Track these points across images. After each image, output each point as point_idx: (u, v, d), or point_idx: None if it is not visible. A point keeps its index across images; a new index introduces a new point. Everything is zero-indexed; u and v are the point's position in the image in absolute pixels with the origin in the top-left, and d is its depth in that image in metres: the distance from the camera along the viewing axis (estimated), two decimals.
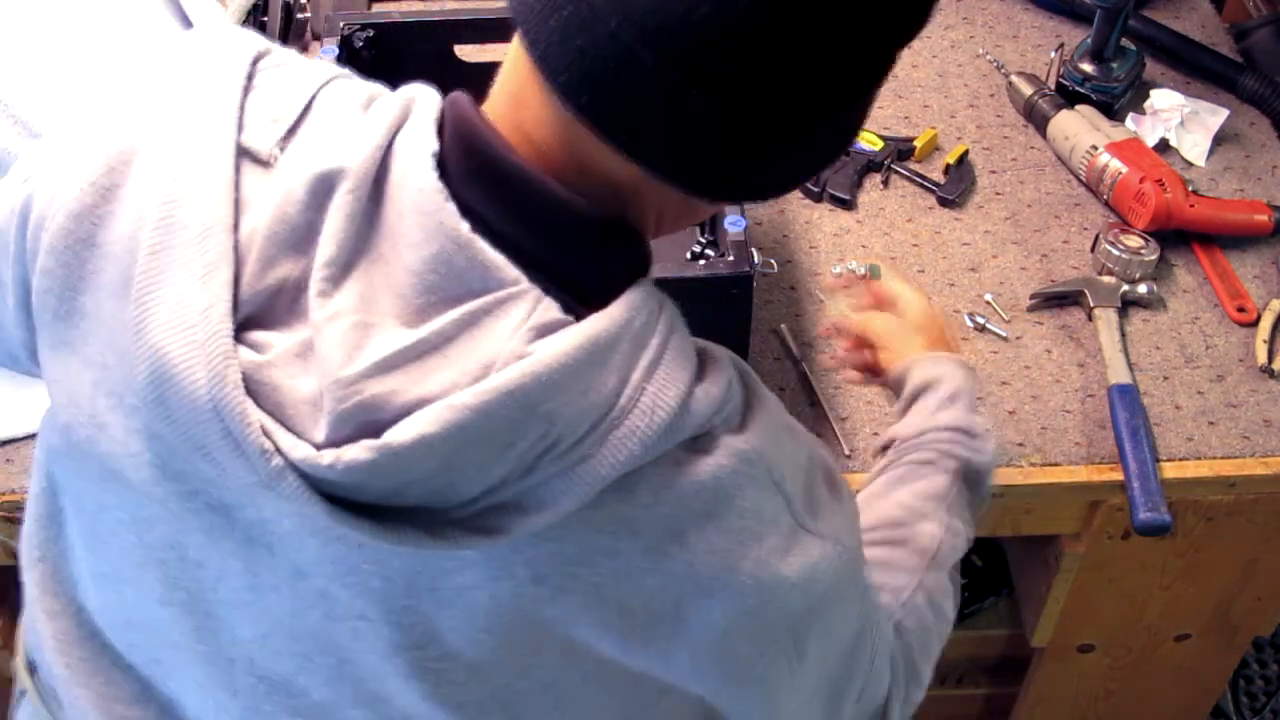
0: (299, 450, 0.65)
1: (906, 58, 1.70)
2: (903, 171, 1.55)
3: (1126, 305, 1.40)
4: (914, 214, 1.51)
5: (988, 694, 1.73)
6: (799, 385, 1.33)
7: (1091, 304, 1.38)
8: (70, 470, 0.80)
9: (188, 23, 1.41)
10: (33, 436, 1.23)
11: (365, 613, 0.73)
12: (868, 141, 1.56)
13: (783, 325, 1.38)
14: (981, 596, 1.63)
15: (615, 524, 0.70)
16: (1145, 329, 1.39)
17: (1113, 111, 1.59)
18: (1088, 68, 1.60)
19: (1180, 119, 1.58)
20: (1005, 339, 1.38)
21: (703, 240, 1.30)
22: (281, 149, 0.71)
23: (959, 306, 1.41)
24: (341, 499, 0.66)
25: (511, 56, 0.70)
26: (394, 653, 0.73)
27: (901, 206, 1.52)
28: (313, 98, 0.73)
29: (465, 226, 0.66)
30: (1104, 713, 1.64)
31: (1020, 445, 1.28)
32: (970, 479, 1.03)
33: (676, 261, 1.29)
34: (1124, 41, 1.61)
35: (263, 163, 0.71)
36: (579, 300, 0.68)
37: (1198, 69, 1.68)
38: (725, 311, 1.10)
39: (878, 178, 1.55)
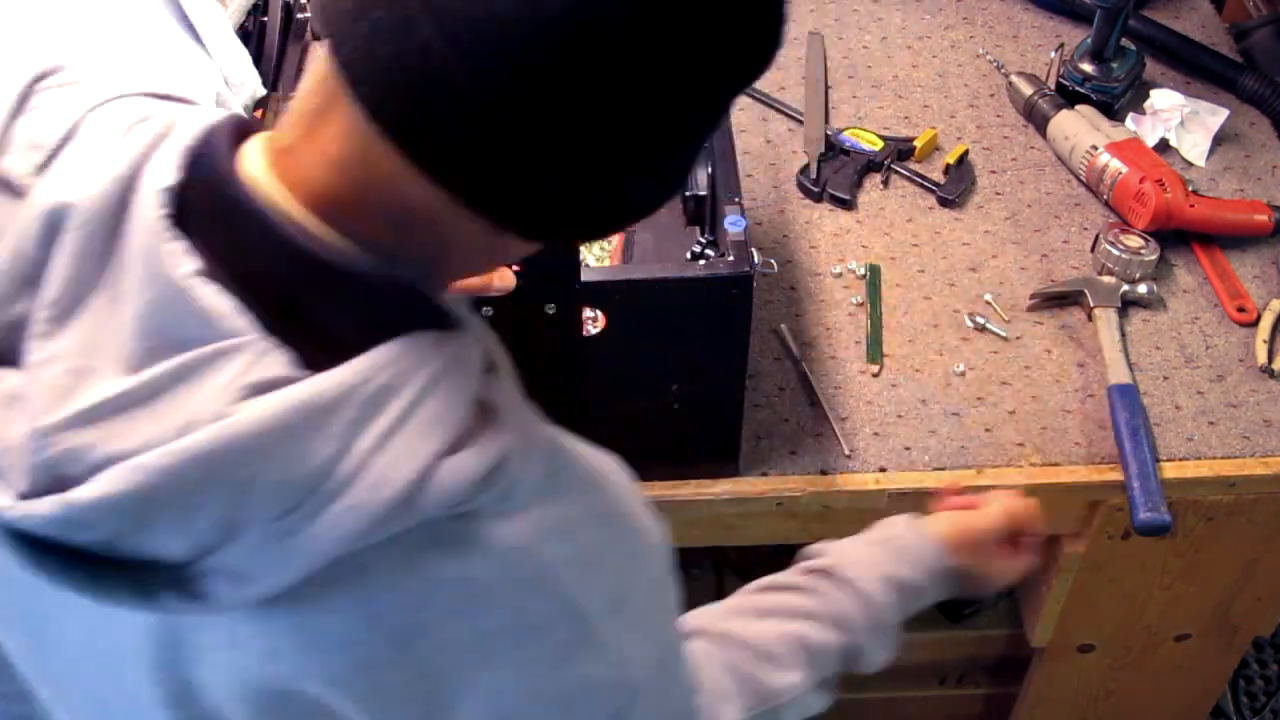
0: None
1: (906, 58, 1.71)
2: (903, 171, 1.55)
3: (1126, 305, 1.40)
4: (914, 214, 1.51)
5: (988, 694, 1.73)
6: (799, 385, 1.33)
7: (1091, 304, 1.38)
8: None
9: (188, 23, 1.41)
10: None
11: (132, 662, 0.70)
12: (868, 141, 1.56)
13: (783, 325, 1.38)
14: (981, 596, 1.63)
15: (351, 608, 0.64)
16: (1145, 329, 1.39)
17: (1113, 111, 1.59)
18: (1088, 68, 1.60)
19: (1180, 119, 1.58)
20: (1005, 339, 1.38)
21: (703, 240, 1.30)
22: (37, 177, 0.67)
23: (959, 306, 1.41)
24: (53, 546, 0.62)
25: (313, 66, 0.64)
26: (161, 706, 0.71)
27: (901, 206, 1.52)
28: (79, 121, 0.69)
29: (187, 269, 0.62)
30: (1104, 713, 1.64)
31: (1020, 445, 1.28)
32: (850, 660, 0.98)
33: (676, 261, 1.29)
34: (1124, 41, 1.61)
35: (16, 192, 0.67)
36: (320, 355, 0.63)
37: (1198, 69, 1.68)
38: (725, 311, 1.10)
39: (878, 178, 1.55)
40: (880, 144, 1.56)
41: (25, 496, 0.61)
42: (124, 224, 0.64)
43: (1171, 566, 1.39)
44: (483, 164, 0.60)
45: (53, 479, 0.61)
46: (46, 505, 0.60)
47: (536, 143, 0.59)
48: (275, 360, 0.62)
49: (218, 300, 0.62)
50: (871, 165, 1.55)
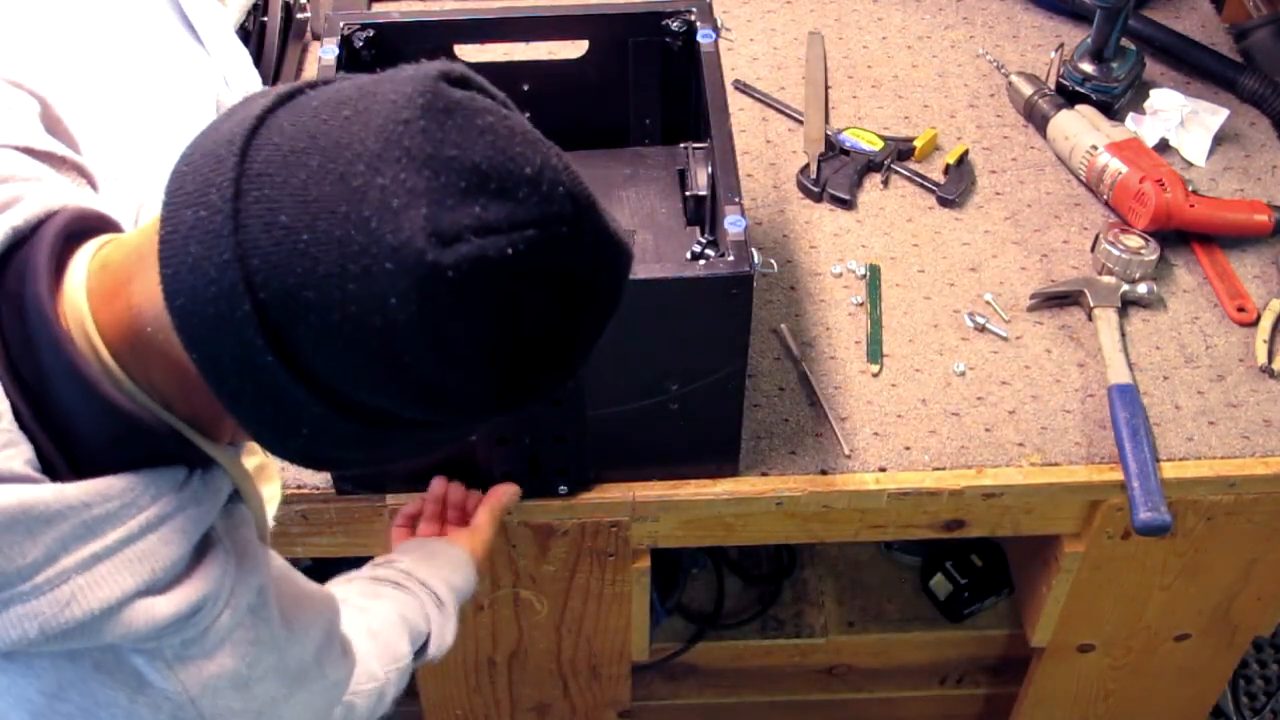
0: None
1: (906, 58, 1.71)
2: (903, 171, 1.55)
3: (1126, 305, 1.40)
4: (914, 214, 1.51)
5: (988, 694, 1.73)
6: (799, 385, 1.33)
7: (1091, 304, 1.38)
8: None
9: (188, 23, 1.41)
10: None
11: None
12: (868, 141, 1.56)
13: (783, 325, 1.38)
14: (981, 596, 1.63)
15: (13, 697, 0.68)
16: (1145, 329, 1.39)
17: (1113, 111, 1.59)
18: (1088, 68, 1.60)
19: (1180, 119, 1.58)
20: (1005, 339, 1.38)
21: (703, 240, 1.30)
22: None
23: (959, 306, 1.41)
24: None
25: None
26: None
27: (901, 206, 1.52)
28: None
29: None
30: (1104, 713, 1.64)
31: (1020, 445, 1.28)
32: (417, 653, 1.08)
33: (676, 261, 1.29)
34: (1124, 41, 1.61)
35: None
36: (61, 461, 0.66)
37: (1198, 69, 1.68)
38: (725, 311, 1.10)
39: (878, 178, 1.55)
40: (880, 144, 1.56)
41: None
42: None
43: (1171, 566, 1.39)
44: (238, 384, 0.63)
45: None
46: None
47: (289, 390, 0.62)
48: (14, 454, 0.64)
49: None
50: (871, 165, 1.55)
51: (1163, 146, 1.57)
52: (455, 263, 0.60)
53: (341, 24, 1.29)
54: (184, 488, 0.70)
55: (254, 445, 0.83)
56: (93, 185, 0.82)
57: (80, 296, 0.67)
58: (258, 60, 1.54)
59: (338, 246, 0.60)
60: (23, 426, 0.66)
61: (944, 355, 1.36)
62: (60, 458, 0.66)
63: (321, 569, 1.12)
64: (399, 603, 1.07)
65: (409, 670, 1.06)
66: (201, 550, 0.71)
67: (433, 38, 1.32)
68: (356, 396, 0.63)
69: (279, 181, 0.61)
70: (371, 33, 1.29)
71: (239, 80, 1.40)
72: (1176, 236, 1.48)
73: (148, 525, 0.68)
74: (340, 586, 1.08)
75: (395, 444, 0.69)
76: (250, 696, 0.75)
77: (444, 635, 1.10)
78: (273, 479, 0.98)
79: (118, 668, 0.69)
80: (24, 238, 0.69)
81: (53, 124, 0.83)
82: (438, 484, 1.22)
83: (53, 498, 0.64)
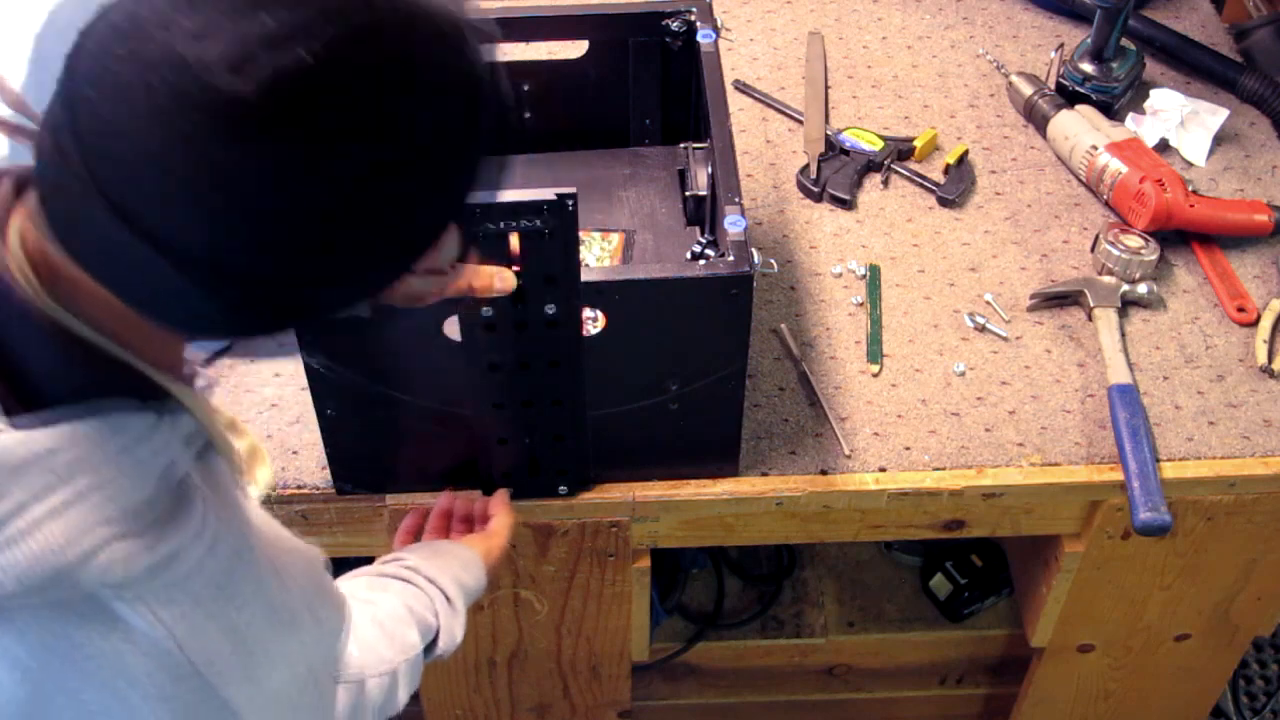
0: None
1: (906, 58, 1.71)
2: (903, 171, 1.55)
3: (1126, 305, 1.40)
4: (914, 214, 1.51)
5: (988, 694, 1.73)
6: (799, 385, 1.33)
7: (1091, 304, 1.38)
8: None
9: None
10: None
11: None
12: (868, 141, 1.56)
13: (783, 325, 1.38)
14: (981, 596, 1.63)
15: (2, 660, 0.68)
16: (1145, 329, 1.39)
17: (1113, 111, 1.59)
18: (1088, 68, 1.60)
19: (1180, 119, 1.58)
20: (1005, 339, 1.38)
21: (703, 240, 1.30)
22: None
23: (959, 306, 1.41)
24: None
25: None
26: None
27: (901, 206, 1.52)
28: None
29: None
30: (1104, 713, 1.64)
31: (1020, 445, 1.28)
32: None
33: (676, 261, 1.29)
34: (1124, 41, 1.61)
35: None
36: (21, 408, 0.66)
37: (1198, 69, 1.68)
38: (725, 311, 1.10)
39: (878, 178, 1.55)
40: (880, 144, 1.56)
41: None
42: None
43: (1171, 566, 1.39)
44: (109, 265, 0.64)
45: None
46: None
47: (151, 255, 0.62)
48: None
49: None
50: (871, 165, 1.55)
51: (1163, 146, 1.57)
52: (256, 88, 0.59)
53: None
54: (153, 431, 0.69)
55: (242, 427, 0.82)
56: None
57: (16, 244, 0.67)
58: None
59: (146, 100, 0.59)
60: None
61: (944, 355, 1.36)
62: (16, 403, 0.66)
63: None
64: (405, 595, 1.07)
65: (419, 664, 1.06)
66: (179, 496, 0.71)
67: None
68: (193, 249, 0.62)
69: (98, 64, 0.61)
70: None
71: None
72: (1176, 236, 1.48)
73: (119, 470, 0.67)
74: (346, 582, 1.08)
75: (257, 309, 0.67)
76: (239, 641, 0.74)
77: (453, 631, 1.09)
78: (264, 463, 0.98)
79: (100, 616, 0.68)
80: None
81: None
82: (445, 499, 1.22)
83: (18, 445, 0.64)
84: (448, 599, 1.09)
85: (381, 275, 0.70)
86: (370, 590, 1.07)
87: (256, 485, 0.83)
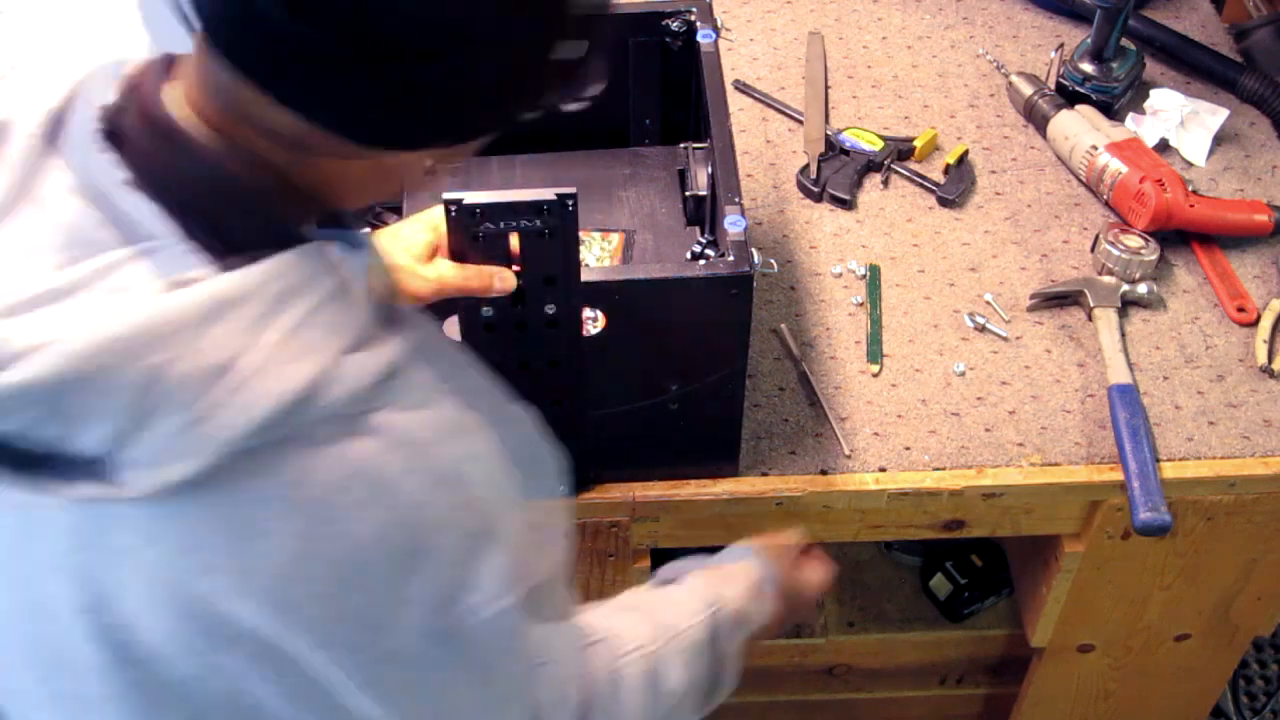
0: None
1: (906, 58, 1.71)
2: (903, 171, 1.55)
3: (1126, 305, 1.40)
4: (914, 214, 1.51)
5: (988, 694, 1.73)
6: (799, 385, 1.33)
7: (1091, 304, 1.38)
8: None
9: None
10: None
11: (51, 572, 0.72)
12: (868, 141, 1.56)
13: (783, 325, 1.38)
14: (981, 596, 1.63)
15: (261, 502, 0.68)
16: (1145, 329, 1.39)
17: (1113, 111, 1.59)
18: (1088, 68, 1.60)
19: (1180, 119, 1.58)
20: (1005, 339, 1.38)
21: (703, 240, 1.30)
22: None
23: (959, 306, 1.41)
24: None
25: None
26: (79, 613, 0.72)
27: (901, 206, 1.52)
28: (23, 50, 0.75)
29: (116, 178, 0.67)
30: (1104, 713, 1.64)
31: (1020, 445, 1.28)
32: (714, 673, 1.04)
33: (676, 261, 1.29)
34: (1124, 41, 1.61)
35: None
36: (230, 260, 0.67)
37: (1198, 69, 1.68)
38: (725, 311, 1.10)
39: (878, 178, 1.55)
40: (880, 144, 1.56)
41: None
42: (61, 139, 0.70)
43: (1171, 566, 1.39)
44: (303, 80, 0.65)
45: None
46: None
47: (345, 54, 0.63)
48: (191, 262, 0.67)
49: (141, 207, 0.67)
50: (871, 165, 1.55)
51: (1163, 146, 1.57)
52: None
53: None
54: (350, 256, 0.71)
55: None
56: None
57: (189, 112, 0.69)
58: None
59: None
60: (187, 237, 0.68)
61: (944, 355, 1.36)
62: (224, 257, 0.68)
63: None
64: (658, 592, 1.04)
65: (704, 658, 1.00)
66: (383, 319, 0.72)
67: None
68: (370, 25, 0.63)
69: None
70: None
71: None
72: (1176, 236, 1.48)
73: (329, 292, 0.69)
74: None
75: (430, 95, 0.67)
76: (472, 443, 0.74)
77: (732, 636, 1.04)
78: None
79: (342, 434, 0.68)
80: (134, 80, 0.71)
81: None
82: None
83: (231, 285, 0.66)
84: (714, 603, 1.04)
85: (523, 99, 0.71)
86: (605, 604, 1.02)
87: None
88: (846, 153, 1.55)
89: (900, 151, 1.56)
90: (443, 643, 0.74)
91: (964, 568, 1.63)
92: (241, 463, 0.66)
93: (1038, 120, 1.60)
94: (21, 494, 0.67)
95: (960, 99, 1.66)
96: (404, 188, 0.77)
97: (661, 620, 0.99)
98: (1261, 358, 1.35)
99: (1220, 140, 1.59)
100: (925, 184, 1.54)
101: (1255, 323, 1.39)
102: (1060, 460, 1.27)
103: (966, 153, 1.56)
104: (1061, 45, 1.66)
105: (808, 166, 1.53)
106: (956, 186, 1.52)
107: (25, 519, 0.72)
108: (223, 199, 0.69)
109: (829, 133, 1.57)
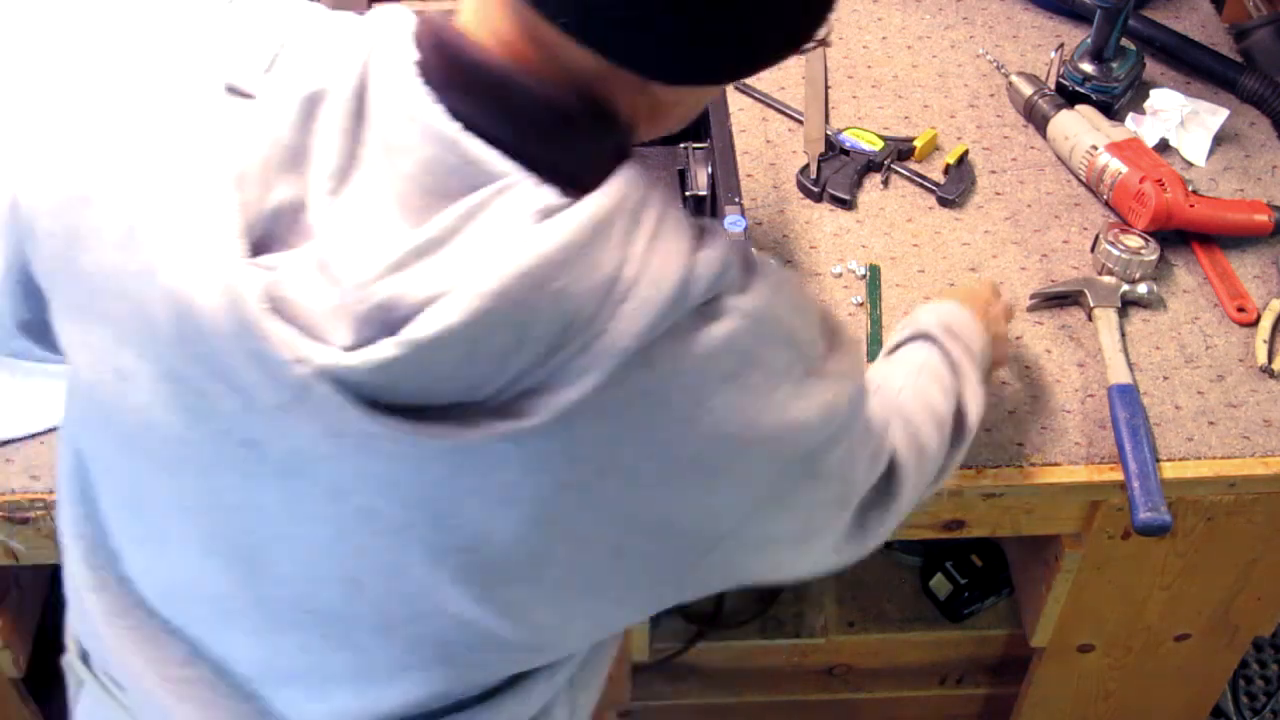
0: (323, 356, 0.66)
1: (906, 58, 1.71)
2: (903, 171, 1.55)
3: (1126, 305, 1.40)
4: (914, 214, 1.51)
5: (988, 694, 1.73)
6: None
7: (1091, 304, 1.38)
8: (101, 434, 0.82)
9: None
10: (33, 436, 1.23)
11: (411, 522, 0.74)
12: (868, 141, 1.56)
13: None
14: (981, 596, 1.63)
15: (642, 398, 0.71)
16: (1145, 329, 1.39)
17: (1113, 111, 1.59)
18: (1088, 68, 1.60)
19: (1180, 119, 1.58)
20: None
21: None
22: (263, 81, 0.73)
23: None
24: (373, 404, 0.67)
25: None
26: (442, 558, 0.75)
27: (901, 206, 1.52)
28: (287, 28, 0.75)
29: (455, 127, 0.69)
30: (1104, 713, 1.64)
31: (1020, 445, 1.28)
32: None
33: None
34: (1124, 41, 1.61)
35: (244, 95, 0.72)
36: (567, 186, 0.70)
37: (1198, 69, 1.68)
38: None
39: (878, 178, 1.55)
40: (880, 144, 1.56)
41: (351, 349, 0.66)
42: (367, 103, 0.71)
43: (1171, 566, 1.39)
44: (612, 19, 0.67)
45: (377, 327, 0.66)
46: (385, 348, 0.65)
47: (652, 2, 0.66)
48: (545, 193, 0.69)
49: (484, 150, 0.69)
50: (871, 165, 1.55)
51: (1163, 146, 1.57)
52: None
53: None
54: (664, 167, 0.77)
55: None
56: None
57: (480, 44, 0.71)
58: None
59: None
60: (530, 171, 0.70)
61: None
62: (563, 184, 0.70)
63: None
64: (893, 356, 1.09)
65: (951, 387, 1.05)
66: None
67: None
68: None
69: None
70: None
71: None
72: (1176, 236, 1.48)
73: (665, 202, 0.73)
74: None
75: (719, 31, 0.69)
76: (794, 303, 0.79)
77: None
78: None
79: (701, 320, 0.73)
80: (422, 36, 0.73)
81: None
82: None
83: (602, 204, 0.69)
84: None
85: (809, 29, 0.74)
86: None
87: None
88: (846, 153, 1.55)
89: (900, 151, 1.56)
90: (836, 443, 0.81)
91: (964, 568, 1.63)
92: (626, 370, 0.70)
93: (1038, 120, 1.60)
94: (413, 437, 0.69)
95: (960, 99, 1.66)
96: (679, 123, 0.82)
97: (908, 360, 1.06)
98: (1261, 358, 1.35)
99: (1220, 140, 1.59)
100: (925, 184, 1.54)
101: (1255, 323, 1.39)
102: (1060, 460, 1.27)
103: (966, 153, 1.56)
104: (1061, 45, 1.66)
105: (808, 166, 1.53)
106: (956, 186, 1.52)
107: (382, 481, 0.73)
108: (556, 131, 0.71)
109: (829, 133, 1.57)
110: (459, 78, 0.70)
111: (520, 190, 0.68)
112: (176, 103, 0.72)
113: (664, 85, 0.73)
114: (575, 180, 0.70)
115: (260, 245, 0.69)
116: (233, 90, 0.72)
